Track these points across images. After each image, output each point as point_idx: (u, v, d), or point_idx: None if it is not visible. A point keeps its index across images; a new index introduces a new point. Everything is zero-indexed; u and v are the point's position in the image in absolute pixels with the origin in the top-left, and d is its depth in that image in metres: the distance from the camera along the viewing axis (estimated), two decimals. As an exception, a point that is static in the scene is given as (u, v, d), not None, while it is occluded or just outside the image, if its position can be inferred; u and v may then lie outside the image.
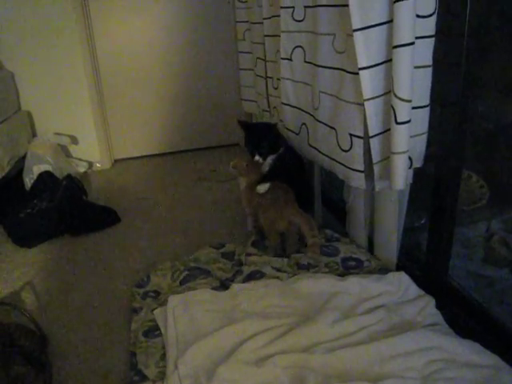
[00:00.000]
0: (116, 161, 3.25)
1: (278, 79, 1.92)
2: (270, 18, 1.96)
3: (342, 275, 1.50)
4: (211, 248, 1.81)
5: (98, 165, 3.10)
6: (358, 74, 1.24)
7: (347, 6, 1.20)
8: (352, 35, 1.20)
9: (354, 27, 1.19)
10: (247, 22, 2.31)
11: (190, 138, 3.34)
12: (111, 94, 3.14)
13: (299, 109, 1.81)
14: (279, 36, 1.80)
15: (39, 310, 1.59)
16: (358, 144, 1.39)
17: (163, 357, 1.25)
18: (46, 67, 2.90)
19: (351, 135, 1.40)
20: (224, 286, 1.53)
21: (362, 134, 1.37)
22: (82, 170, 2.89)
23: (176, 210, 2.33)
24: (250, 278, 1.53)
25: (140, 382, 1.18)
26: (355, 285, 1.41)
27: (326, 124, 1.56)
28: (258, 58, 2.22)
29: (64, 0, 2.76)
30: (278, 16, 1.78)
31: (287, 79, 1.83)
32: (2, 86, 2.72)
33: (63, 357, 1.37)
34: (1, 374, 1.13)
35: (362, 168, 1.41)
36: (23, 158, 2.65)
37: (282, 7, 1.74)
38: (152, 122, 3.25)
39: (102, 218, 2.20)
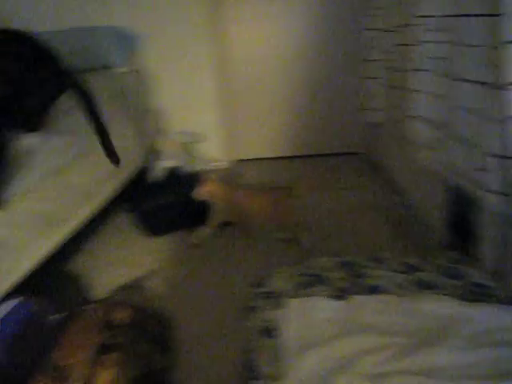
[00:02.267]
0: (239, 161, 3.37)
1: (409, 90, 1.87)
2: (403, 26, 1.91)
3: (467, 301, 1.41)
4: (329, 257, 1.81)
5: (220, 164, 3.24)
6: (503, 89, 1.17)
7: (497, 15, 1.14)
8: (500, 47, 1.13)
9: (507, 39, 1.12)
10: (378, 29, 2.28)
11: (308, 143, 3.37)
12: (237, 98, 3.27)
13: (430, 122, 1.74)
14: (412, 45, 1.75)
15: (163, 296, 1.71)
16: (496, 163, 1.31)
17: (277, 358, 1.27)
18: (179, 69, 3.09)
19: (489, 154, 1.32)
20: (342, 296, 1.52)
21: (501, 153, 1.28)
22: (207, 167, 3.04)
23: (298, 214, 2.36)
24: (370, 291, 1.51)
25: (254, 379, 1.22)
26: (482, 313, 1.32)
27: (460, 140, 1.48)
28: (387, 67, 2.18)
29: (200, 7, 2.94)
30: (413, 25, 1.74)
31: (419, 91, 1.77)
32: (139, 85, 2.96)
33: (183, 342, 1.46)
34: (129, 350, 1.23)
35: (497, 189, 1.32)
36: (154, 153, 2.86)
37: (418, 16, 1.69)
38: (273, 126, 3.33)
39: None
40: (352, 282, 1.61)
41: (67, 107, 1.86)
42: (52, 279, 1.78)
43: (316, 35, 3.10)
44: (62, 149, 1.79)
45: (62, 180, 1.74)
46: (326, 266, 1.75)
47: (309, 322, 1.38)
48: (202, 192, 2.02)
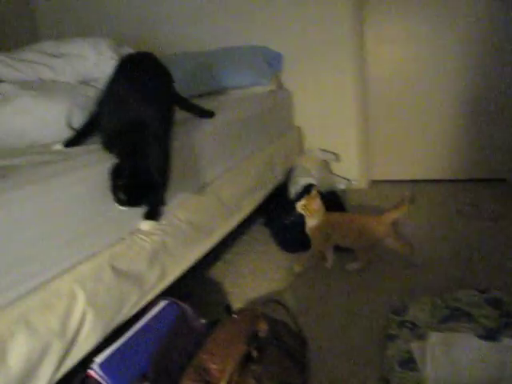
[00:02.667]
0: (372, 182, 3.31)
1: None
2: None
3: None
4: (474, 290, 1.70)
5: (354, 183, 3.21)
6: None
7: None
8: None
9: None
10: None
11: (450, 167, 3.19)
12: (376, 117, 3.23)
13: None
14: None
15: (298, 313, 1.73)
16: None
17: (417, 392, 1.23)
18: (319, 87, 3.14)
19: None
20: (489, 336, 1.41)
21: None
22: (341, 186, 3.05)
23: (433, 241, 2.25)
24: (523, 334, 1.38)
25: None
26: None
27: None
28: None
29: (341, 26, 2.96)
30: None
31: None
32: (283, 103, 3.06)
33: (317, 362, 1.46)
34: (271, 362, 1.25)
35: None
36: (292, 169, 2.93)
37: None
38: (413, 148, 3.22)
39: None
40: (503, 322, 1.49)
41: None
42: (194, 285, 1.89)
43: (469, 55, 2.94)
44: (211, 166, 1.92)
45: (214, 192, 1.86)
46: (472, 300, 1.64)
47: (453, 360, 1.31)
48: (299, 205, 2.03)
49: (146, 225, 1.43)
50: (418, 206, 2.78)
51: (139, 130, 1.33)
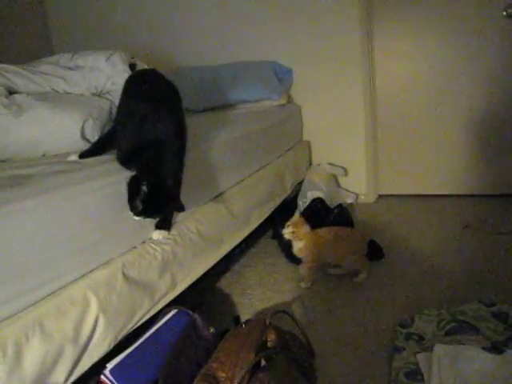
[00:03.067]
0: (380, 196, 3.33)
1: None
2: None
3: None
4: (481, 304, 1.70)
5: (362, 197, 3.22)
6: None
7: None
8: None
9: None
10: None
11: (459, 182, 3.19)
12: (384, 132, 3.25)
13: None
14: None
15: (306, 324, 1.74)
16: None
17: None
18: (328, 102, 3.18)
19: None
20: (495, 348, 1.41)
21: None
22: (349, 201, 3.06)
23: (441, 256, 2.25)
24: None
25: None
26: None
27: None
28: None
29: (350, 41, 3.01)
30: None
31: None
32: (292, 117, 3.10)
33: (324, 373, 1.47)
34: (279, 372, 1.26)
35: None
36: (300, 183, 2.95)
37: None
38: (421, 163, 3.23)
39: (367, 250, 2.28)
40: (509, 335, 1.50)
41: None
42: (204, 296, 1.91)
43: (479, 72, 2.96)
44: (221, 179, 1.95)
45: (224, 204, 1.89)
46: (479, 314, 1.65)
47: (459, 372, 1.31)
48: (287, 232, 2.03)
49: (158, 234, 1.46)
50: (427, 220, 2.79)
51: (157, 146, 1.38)
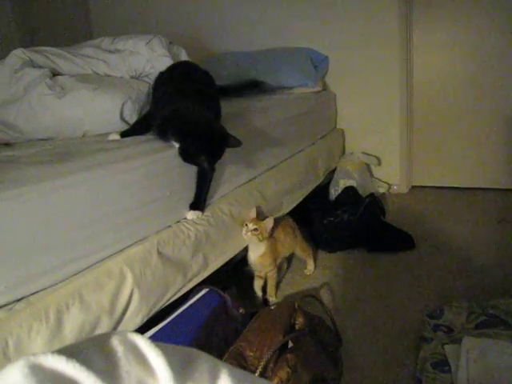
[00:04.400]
0: (413, 187, 3.29)
1: None
2: None
3: None
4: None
5: (395, 187, 3.19)
6: None
7: None
8: None
9: None
10: None
11: (494, 176, 3.12)
12: (420, 123, 3.20)
13: None
14: None
15: (334, 311, 1.75)
16: None
17: (450, 394, 1.23)
18: (363, 90, 3.15)
19: None
20: (527, 344, 1.40)
21: None
22: (382, 190, 3.04)
23: (474, 249, 2.22)
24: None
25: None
26: None
27: None
28: None
29: (388, 29, 2.97)
30: None
31: None
32: (327, 105, 3.08)
33: (350, 359, 1.48)
34: (306, 355, 1.28)
35: None
36: (333, 171, 2.95)
37: None
38: (456, 155, 3.17)
39: (397, 240, 2.27)
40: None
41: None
42: (234, 278, 1.94)
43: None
44: (256, 164, 1.97)
45: (257, 188, 1.91)
46: (510, 309, 1.62)
47: (487, 365, 1.30)
48: (248, 230, 1.72)
49: (192, 214, 1.50)
50: (460, 213, 2.75)
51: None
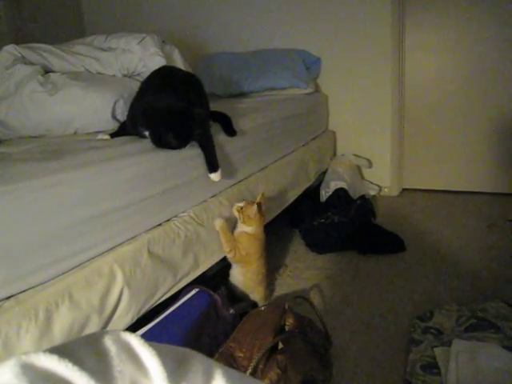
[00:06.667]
0: (404, 189, 3.31)
1: None
2: None
3: None
4: (502, 303, 1.69)
5: (385, 190, 3.21)
6: None
7: None
8: None
9: None
10: None
11: (484, 180, 3.14)
12: (411, 125, 3.22)
13: None
14: None
15: (324, 312, 1.75)
16: None
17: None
18: (355, 93, 3.16)
19: None
20: (516, 347, 1.41)
21: None
22: (372, 193, 3.05)
23: (463, 253, 2.24)
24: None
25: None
26: None
27: None
28: None
29: (381, 32, 2.98)
30: None
31: None
32: (318, 106, 3.09)
33: (340, 361, 1.49)
34: (296, 356, 1.28)
35: None
36: (324, 172, 2.96)
37: None
38: (447, 158, 3.19)
39: (388, 243, 2.28)
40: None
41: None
42: (224, 278, 1.94)
43: (509, 69, 2.91)
44: (246, 164, 1.98)
45: (248, 189, 1.91)
46: (500, 313, 1.64)
47: (477, 368, 1.31)
48: (235, 207, 1.73)
49: (215, 177, 1.59)
50: (450, 216, 2.76)
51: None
